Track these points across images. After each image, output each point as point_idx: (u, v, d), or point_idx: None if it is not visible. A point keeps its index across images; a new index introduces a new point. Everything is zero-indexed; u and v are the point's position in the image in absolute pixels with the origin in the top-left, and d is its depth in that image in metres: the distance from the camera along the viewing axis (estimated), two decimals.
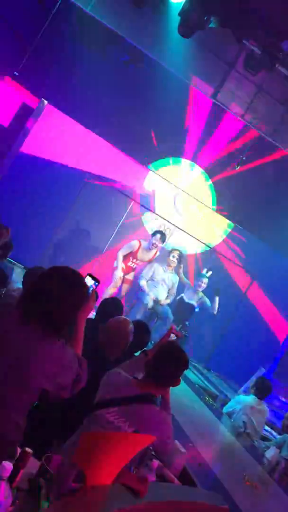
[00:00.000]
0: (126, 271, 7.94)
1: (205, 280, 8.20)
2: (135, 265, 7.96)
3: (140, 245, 7.86)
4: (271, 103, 9.14)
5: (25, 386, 2.07)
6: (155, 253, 7.98)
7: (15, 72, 8.27)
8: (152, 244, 7.81)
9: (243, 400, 5.75)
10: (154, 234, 7.97)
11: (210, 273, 8.31)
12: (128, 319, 3.31)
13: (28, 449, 1.76)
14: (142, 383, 2.62)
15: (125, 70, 8.72)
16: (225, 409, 5.93)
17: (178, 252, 7.97)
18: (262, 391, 5.75)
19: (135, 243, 7.90)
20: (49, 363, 2.09)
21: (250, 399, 5.69)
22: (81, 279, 2.25)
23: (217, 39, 8.54)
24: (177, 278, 8.01)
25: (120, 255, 7.88)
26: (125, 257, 7.90)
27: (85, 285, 2.26)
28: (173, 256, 7.90)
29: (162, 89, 8.89)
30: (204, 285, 8.20)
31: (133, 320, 3.90)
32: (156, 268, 7.86)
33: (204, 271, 8.40)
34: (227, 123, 9.21)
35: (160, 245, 7.90)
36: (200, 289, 8.21)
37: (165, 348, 2.77)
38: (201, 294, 8.25)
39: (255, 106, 9.18)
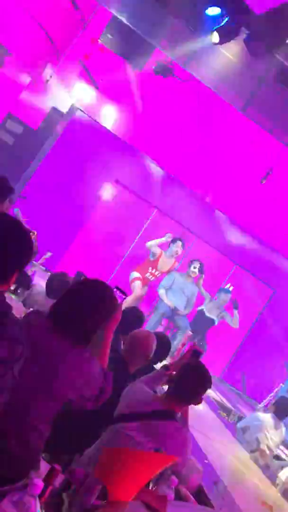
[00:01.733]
0: (142, 284, 7.90)
1: (230, 296, 8.13)
2: (152, 277, 7.84)
3: (161, 253, 7.83)
4: None
5: (51, 394, 2.10)
6: (174, 263, 7.95)
7: (48, 77, 8.37)
8: (173, 251, 7.77)
9: (261, 418, 5.71)
10: (174, 241, 7.91)
11: (232, 288, 8.25)
12: (152, 333, 3.32)
13: (57, 466, 1.77)
14: (163, 399, 2.62)
15: (157, 79, 8.77)
16: (239, 424, 5.89)
17: (199, 262, 7.94)
18: (282, 411, 5.73)
19: (158, 250, 7.86)
20: (77, 373, 2.12)
21: (268, 417, 5.65)
22: (111, 292, 2.29)
23: (249, 51, 8.53)
24: (197, 289, 7.98)
25: (152, 243, 7.75)
26: (143, 268, 7.86)
27: (114, 298, 2.30)
28: (194, 267, 7.86)
29: (193, 101, 8.93)
30: (226, 300, 8.13)
31: (154, 332, 3.92)
32: (176, 277, 7.84)
33: (228, 286, 8.34)
34: (255, 136, 9.19)
35: (180, 251, 7.85)
36: (222, 305, 8.13)
37: (190, 365, 2.76)
38: (223, 309, 8.18)
39: (283, 120, 9.12)
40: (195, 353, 2.99)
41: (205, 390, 2.69)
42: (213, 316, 8.06)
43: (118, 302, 2.29)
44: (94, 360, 2.19)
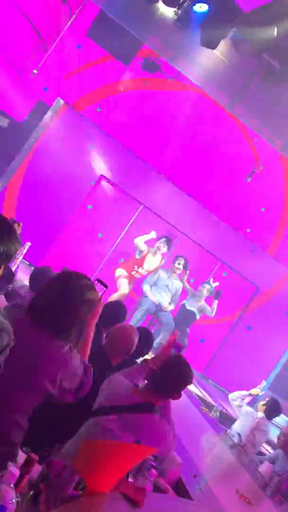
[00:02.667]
0: (129, 281, 7.90)
1: (208, 287, 8.18)
2: (138, 275, 7.86)
3: (148, 251, 7.84)
4: (286, 116, 9.14)
5: (30, 387, 2.09)
6: (160, 261, 7.96)
7: (34, 70, 8.31)
8: (157, 247, 7.79)
9: (251, 415, 5.81)
10: (160, 238, 7.95)
11: (216, 284, 8.31)
12: (134, 327, 3.33)
13: (33, 455, 1.77)
14: (143, 392, 2.62)
15: (143, 74, 8.76)
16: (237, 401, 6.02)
17: (183, 259, 7.97)
18: (272, 413, 5.82)
19: (145, 247, 7.86)
20: (56, 366, 2.11)
21: (259, 416, 5.74)
22: (91, 284, 2.27)
23: (236, 50, 8.57)
24: (181, 285, 8.01)
25: (139, 241, 7.77)
26: (129, 265, 7.86)
27: (95, 291, 2.28)
28: (179, 263, 7.90)
29: (178, 96, 8.95)
30: (206, 293, 8.18)
31: (137, 327, 3.92)
32: (160, 274, 7.86)
33: (211, 280, 8.41)
34: (241, 134, 9.23)
35: (165, 249, 7.86)
36: (203, 297, 8.20)
37: (173, 361, 2.76)
38: (202, 301, 8.24)
39: (270, 119, 9.18)
40: (175, 347, 2.99)
41: (186, 385, 2.71)
42: (193, 309, 8.12)
43: (98, 295, 2.28)
44: (74, 353, 2.18)
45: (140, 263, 7.81)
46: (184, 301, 8.24)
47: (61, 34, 8.26)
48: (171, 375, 2.64)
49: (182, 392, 6.08)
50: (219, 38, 7.51)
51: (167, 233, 8.46)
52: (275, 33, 6.57)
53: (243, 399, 6.17)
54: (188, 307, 8.18)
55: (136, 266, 7.82)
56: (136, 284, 8.07)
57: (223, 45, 7.77)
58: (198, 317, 8.22)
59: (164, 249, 7.84)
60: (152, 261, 7.85)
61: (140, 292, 8.10)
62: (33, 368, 2.08)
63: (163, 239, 7.89)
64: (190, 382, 2.75)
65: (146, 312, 7.66)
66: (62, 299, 2.14)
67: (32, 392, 2.10)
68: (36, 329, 2.11)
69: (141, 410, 2.53)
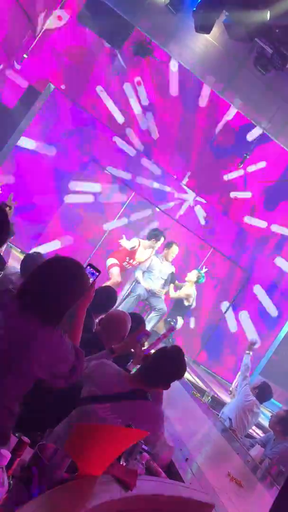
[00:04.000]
0: (121, 269, 7.93)
1: (196, 273, 8.19)
2: (129, 266, 7.91)
3: (139, 244, 7.88)
4: (279, 102, 9.12)
5: (21, 373, 2.08)
6: (151, 252, 7.99)
7: (24, 55, 8.20)
8: (151, 244, 7.82)
9: (247, 396, 5.87)
10: (151, 234, 7.96)
11: (205, 270, 8.33)
12: (127, 314, 3.34)
13: (25, 438, 1.78)
14: (134, 378, 2.61)
15: (135, 60, 8.67)
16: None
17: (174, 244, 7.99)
18: (263, 397, 5.88)
19: (135, 240, 7.89)
20: (46, 351, 2.10)
21: (254, 399, 5.81)
22: (82, 269, 2.25)
23: (228, 34, 8.49)
24: (173, 269, 8.02)
25: (126, 242, 7.81)
26: (121, 255, 7.87)
27: (86, 276, 2.27)
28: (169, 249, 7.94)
29: (171, 82, 8.88)
30: (190, 276, 8.20)
31: (129, 313, 3.93)
32: (153, 259, 7.87)
33: (203, 267, 8.45)
34: (233, 119, 9.19)
35: (159, 243, 7.88)
36: (188, 280, 8.21)
37: (168, 352, 2.73)
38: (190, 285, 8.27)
39: (262, 105, 9.15)
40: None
41: (178, 379, 2.70)
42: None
43: (89, 279, 2.27)
44: (64, 339, 2.15)
45: (132, 255, 7.84)
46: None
47: (50, 18, 8.14)
48: (165, 366, 2.63)
49: None
50: (213, 22, 7.42)
51: (158, 218, 8.46)
52: (268, 17, 6.50)
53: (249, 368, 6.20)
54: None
55: (128, 258, 7.84)
56: (128, 272, 8.10)
57: (215, 30, 7.68)
58: (187, 304, 8.22)
59: (158, 244, 7.86)
60: (144, 254, 7.87)
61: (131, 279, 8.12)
62: (24, 353, 2.06)
63: (159, 235, 7.88)
64: (182, 376, 2.76)
65: (137, 298, 7.68)
66: (53, 284, 2.11)
67: (23, 377, 2.09)
68: (27, 314, 2.08)
69: (135, 397, 2.53)
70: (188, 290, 8.01)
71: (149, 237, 7.83)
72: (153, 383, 2.62)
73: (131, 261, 7.85)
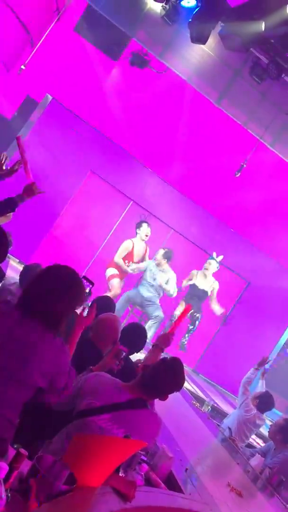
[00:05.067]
0: (121, 276, 7.95)
1: (211, 262, 8.27)
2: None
3: (133, 244, 7.90)
4: (274, 112, 9.17)
5: (22, 383, 2.09)
6: (146, 248, 8.00)
7: (22, 66, 8.26)
8: (143, 235, 7.88)
9: (248, 408, 5.85)
10: (139, 225, 8.02)
11: (221, 257, 8.40)
12: (116, 315, 3.38)
13: (22, 451, 1.77)
14: (133, 388, 2.61)
15: (131, 70, 8.74)
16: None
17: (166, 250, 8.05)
18: (265, 407, 5.85)
19: (128, 243, 7.93)
20: (48, 359, 2.12)
21: (254, 411, 5.79)
22: (78, 278, 2.27)
23: (224, 45, 8.57)
24: (170, 274, 8.00)
25: (119, 260, 7.91)
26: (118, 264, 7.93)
27: (82, 283, 2.29)
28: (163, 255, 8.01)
29: (167, 91, 8.94)
30: (211, 267, 8.25)
31: (130, 323, 3.96)
32: (149, 266, 7.89)
33: (214, 254, 8.48)
34: (229, 129, 9.24)
35: (149, 232, 7.94)
36: (208, 272, 8.28)
37: (167, 364, 2.71)
38: (212, 278, 8.31)
39: (258, 114, 9.20)
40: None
41: (177, 390, 2.70)
42: (204, 287, 8.21)
43: (86, 289, 2.29)
44: (66, 348, 2.19)
45: (129, 258, 7.87)
46: (194, 282, 8.28)
47: (48, 29, 8.21)
48: (165, 379, 2.62)
49: None
50: (208, 33, 7.49)
51: (140, 217, 8.46)
52: (263, 28, 6.56)
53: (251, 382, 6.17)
54: (200, 287, 8.25)
55: (126, 261, 7.87)
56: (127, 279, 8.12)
57: (211, 40, 7.76)
58: (209, 294, 8.27)
59: (142, 231, 7.92)
60: (139, 250, 7.93)
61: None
62: (25, 361, 2.07)
63: (145, 224, 7.95)
64: (181, 387, 2.75)
65: (128, 298, 7.63)
66: (51, 290, 2.15)
67: (23, 386, 2.10)
68: (27, 323, 2.11)
69: (135, 406, 2.53)
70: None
71: (136, 231, 7.93)
72: (151, 393, 2.62)
73: (130, 263, 7.92)
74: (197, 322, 8.25)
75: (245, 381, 6.08)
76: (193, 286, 8.28)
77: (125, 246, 7.98)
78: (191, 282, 8.31)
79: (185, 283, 8.35)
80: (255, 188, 9.41)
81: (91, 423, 2.43)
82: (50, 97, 8.51)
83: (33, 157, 8.34)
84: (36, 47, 8.24)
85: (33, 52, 8.23)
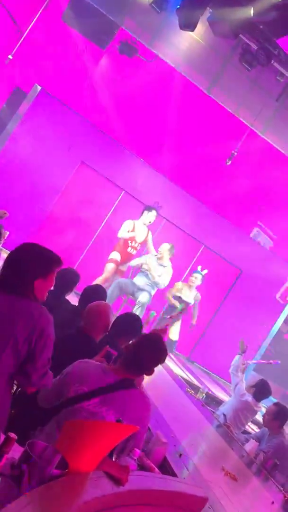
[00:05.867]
0: (123, 260, 7.89)
1: (198, 276, 8.26)
2: (134, 251, 7.91)
3: (134, 225, 7.88)
4: (264, 99, 9.15)
5: (9, 350, 2.21)
6: (148, 232, 7.98)
7: (9, 56, 8.18)
8: (147, 220, 7.87)
9: (242, 395, 5.89)
10: (149, 209, 8.00)
11: (205, 271, 8.36)
12: (107, 303, 3.36)
13: (12, 435, 1.77)
14: (118, 369, 2.63)
15: (120, 58, 8.68)
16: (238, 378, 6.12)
17: (171, 246, 8.02)
18: (261, 395, 5.89)
19: (129, 222, 7.89)
20: (28, 320, 2.24)
21: (250, 398, 5.83)
22: (42, 248, 2.52)
23: (213, 31, 8.52)
24: (168, 270, 7.99)
25: (123, 234, 7.83)
26: (123, 244, 7.87)
27: (39, 252, 2.50)
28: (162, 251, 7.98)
29: (157, 79, 8.89)
30: (196, 281, 8.25)
31: (124, 313, 3.96)
32: (148, 259, 7.86)
33: (199, 268, 8.46)
34: (219, 116, 9.21)
35: (153, 218, 7.92)
36: (193, 285, 8.26)
37: (147, 338, 2.77)
38: (195, 291, 8.31)
39: (249, 102, 9.18)
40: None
41: (160, 362, 2.72)
42: (188, 300, 8.23)
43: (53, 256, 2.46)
44: (47, 314, 2.31)
45: (132, 238, 7.88)
46: (179, 294, 8.29)
47: (35, 18, 8.12)
48: (147, 352, 2.65)
49: (168, 375, 6.13)
50: (197, 19, 7.43)
51: (153, 204, 8.41)
52: (252, 13, 6.52)
53: (240, 368, 6.23)
54: (184, 298, 8.24)
55: (129, 242, 7.87)
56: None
57: (199, 27, 7.70)
58: (192, 304, 8.28)
59: (147, 216, 7.90)
60: (141, 233, 7.92)
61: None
62: (10, 329, 2.22)
63: (154, 211, 7.93)
64: (164, 360, 2.77)
65: (119, 285, 7.59)
66: (18, 260, 2.38)
67: (13, 356, 2.21)
68: (4, 294, 2.30)
69: (122, 386, 2.54)
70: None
71: (142, 212, 7.92)
72: (137, 370, 2.65)
73: (134, 243, 7.89)
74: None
75: (233, 369, 6.21)
76: (178, 298, 8.27)
77: (127, 224, 7.93)
78: (178, 294, 8.29)
79: (170, 298, 8.28)
80: (246, 176, 9.41)
81: (81, 409, 2.44)
82: (39, 88, 8.43)
83: (23, 148, 8.32)
84: (23, 37, 8.15)
85: (20, 41, 8.14)
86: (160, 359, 2.71)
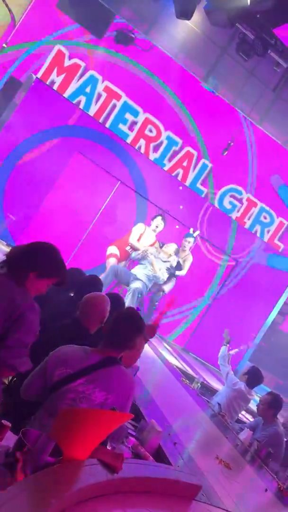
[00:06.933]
0: (121, 258, 7.95)
1: (190, 239, 8.32)
2: (132, 251, 8.03)
3: (145, 229, 7.98)
4: (261, 89, 9.12)
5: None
6: (155, 240, 8.06)
7: (4, 44, 8.10)
8: (153, 226, 7.95)
9: (234, 383, 5.94)
10: (155, 216, 8.12)
11: (197, 232, 8.42)
12: (104, 295, 3.35)
13: (5, 422, 1.78)
14: (100, 349, 2.65)
15: (116, 47, 8.61)
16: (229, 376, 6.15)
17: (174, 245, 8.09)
18: (254, 382, 5.93)
19: (141, 226, 7.99)
20: (6, 303, 2.31)
21: (243, 385, 5.86)
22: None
23: (209, 21, 8.46)
24: (167, 264, 8.01)
25: (133, 241, 7.93)
26: (123, 241, 7.93)
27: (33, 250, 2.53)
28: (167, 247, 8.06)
29: (152, 68, 8.83)
30: (188, 244, 8.30)
31: (108, 293, 3.93)
32: (149, 252, 7.88)
33: (191, 230, 8.52)
34: (216, 107, 9.16)
35: (162, 226, 8.01)
36: (186, 248, 8.32)
37: (122, 312, 2.85)
38: (187, 252, 8.35)
39: (245, 92, 9.14)
40: None
41: (138, 333, 2.75)
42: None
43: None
44: (31, 299, 2.40)
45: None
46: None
47: (29, 6, 8.03)
48: (123, 326, 2.69)
49: (163, 365, 6.15)
50: (193, 8, 7.38)
51: (159, 211, 8.55)
52: (248, 2, 6.48)
53: (227, 359, 6.28)
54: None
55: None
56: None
57: (196, 16, 7.65)
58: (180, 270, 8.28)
59: (161, 227, 8.01)
60: (148, 239, 7.99)
61: None
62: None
63: (159, 217, 8.06)
64: (142, 330, 2.79)
65: (115, 271, 7.60)
66: (33, 247, 2.50)
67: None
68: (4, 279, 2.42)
69: (107, 364, 2.57)
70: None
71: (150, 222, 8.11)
72: (119, 346, 2.68)
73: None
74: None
75: (220, 360, 6.37)
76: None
77: (137, 229, 8.03)
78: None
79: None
80: (242, 167, 9.40)
81: (68, 391, 2.46)
82: (34, 77, 8.36)
83: (18, 139, 8.27)
84: (18, 25, 8.07)
85: (15, 29, 8.06)
86: (138, 328, 2.74)
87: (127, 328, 2.69)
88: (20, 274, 2.41)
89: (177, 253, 8.13)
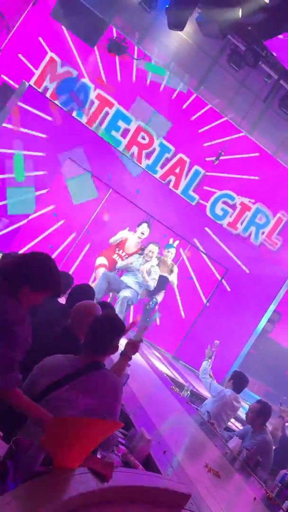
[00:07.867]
0: (110, 268, 8.00)
1: (172, 250, 8.36)
2: (119, 259, 8.04)
3: (129, 235, 8.02)
4: (252, 99, 9.22)
5: None
6: (140, 246, 8.08)
7: None
8: (139, 233, 8.00)
9: (219, 392, 5.94)
10: (141, 223, 8.12)
11: (177, 242, 8.49)
12: (95, 303, 3.37)
13: None
14: (84, 355, 2.67)
15: (108, 56, 8.68)
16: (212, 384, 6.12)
17: (155, 246, 8.08)
18: (240, 386, 5.94)
19: (125, 232, 8.02)
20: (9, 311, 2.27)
21: (229, 393, 5.86)
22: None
23: (201, 32, 8.56)
24: (155, 270, 8.03)
25: (113, 240, 7.96)
26: (110, 250, 7.95)
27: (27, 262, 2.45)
28: (151, 251, 8.04)
29: (144, 77, 8.90)
30: (170, 255, 8.35)
31: (99, 302, 3.96)
32: (133, 260, 7.91)
33: (171, 241, 8.58)
34: (207, 117, 9.25)
35: (147, 233, 8.06)
36: (167, 259, 8.35)
37: (101, 317, 2.86)
38: (169, 262, 8.38)
39: (236, 102, 9.24)
40: None
41: (118, 336, 2.76)
42: (164, 274, 8.26)
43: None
44: (20, 311, 2.33)
45: (121, 247, 7.97)
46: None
47: (24, 14, 8.08)
48: (102, 330, 2.71)
49: (153, 372, 6.16)
50: (186, 19, 7.47)
51: (144, 218, 8.59)
52: (240, 14, 6.57)
53: (208, 372, 6.29)
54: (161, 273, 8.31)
55: (117, 249, 7.97)
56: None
57: (188, 27, 7.74)
58: (170, 279, 8.31)
59: (146, 233, 8.06)
60: (133, 245, 8.02)
61: None
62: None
63: (144, 224, 8.12)
64: (122, 333, 2.81)
65: (107, 277, 7.61)
66: (28, 258, 2.44)
67: None
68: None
69: (89, 370, 2.59)
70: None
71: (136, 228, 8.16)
72: (100, 349, 2.70)
73: (121, 251, 7.97)
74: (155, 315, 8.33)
75: (201, 374, 6.32)
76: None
77: (122, 233, 8.10)
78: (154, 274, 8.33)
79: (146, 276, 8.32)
80: (233, 175, 9.48)
81: (53, 399, 2.48)
82: (27, 84, 8.40)
83: (10, 144, 8.28)
84: (12, 32, 8.11)
85: (9, 37, 8.10)
86: (116, 329, 2.76)
87: (106, 331, 2.71)
88: (13, 287, 2.34)
89: (159, 260, 8.15)
